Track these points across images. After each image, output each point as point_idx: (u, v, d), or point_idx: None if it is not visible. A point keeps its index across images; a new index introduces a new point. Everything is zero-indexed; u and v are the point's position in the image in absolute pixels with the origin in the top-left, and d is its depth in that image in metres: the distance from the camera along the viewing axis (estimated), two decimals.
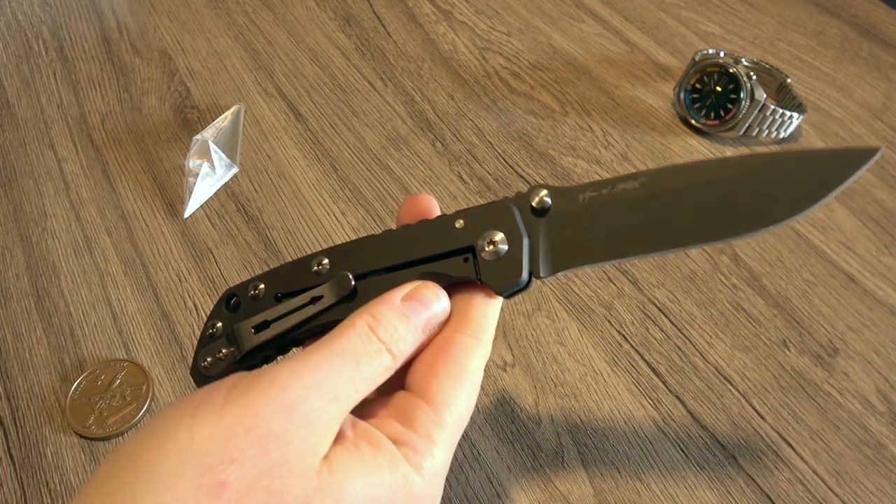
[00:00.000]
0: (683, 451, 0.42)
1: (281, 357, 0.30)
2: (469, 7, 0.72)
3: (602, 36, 0.68)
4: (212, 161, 0.55)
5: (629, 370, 0.45)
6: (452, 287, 0.28)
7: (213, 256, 0.52)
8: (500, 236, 0.27)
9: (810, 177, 0.26)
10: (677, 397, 0.44)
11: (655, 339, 0.47)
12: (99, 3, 0.73)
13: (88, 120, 0.62)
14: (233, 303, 0.30)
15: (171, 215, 0.55)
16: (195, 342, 0.47)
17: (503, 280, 0.27)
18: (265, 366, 0.30)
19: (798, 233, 0.52)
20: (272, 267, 0.32)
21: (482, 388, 0.38)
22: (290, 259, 0.52)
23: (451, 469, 0.26)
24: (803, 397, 0.44)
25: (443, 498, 0.26)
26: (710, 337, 0.47)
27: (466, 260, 0.28)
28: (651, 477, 0.41)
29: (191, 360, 0.35)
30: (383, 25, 0.70)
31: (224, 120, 0.59)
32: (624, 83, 0.64)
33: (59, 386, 0.46)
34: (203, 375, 0.30)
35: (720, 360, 0.46)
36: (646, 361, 0.46)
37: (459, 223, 0.28)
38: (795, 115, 0.56)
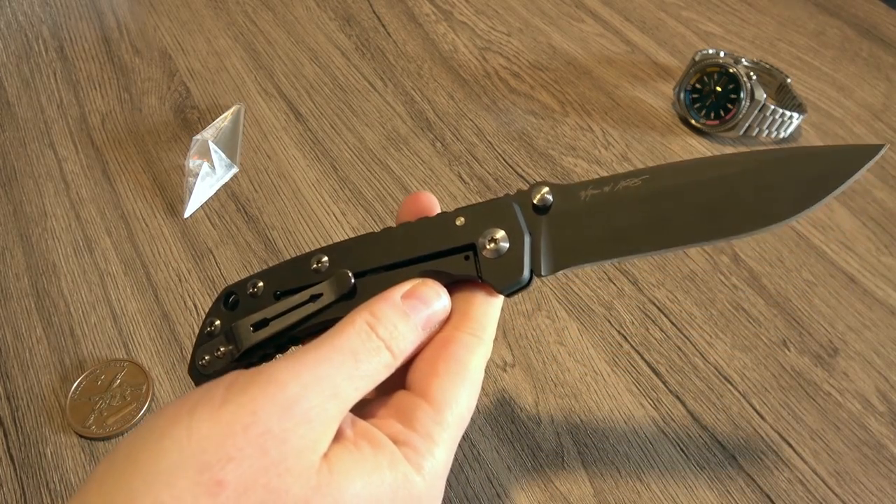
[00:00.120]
0: (683, 451, 0.42)
1: (279, 355, 0.30)
2: (469, 7, 0.72)
3: (602, 36, 0.68)
4: (212, 161, 0.55)
5: (629, 370, 0.45)
6: (453, 285, 0.28)
7: (213, 256, 0.52)
8: (501, 234, 0.27)
9: (813, 175, 0.26)
10: (677, 397, 0.44)
11: (655, 339, 0.47)
12: (99, 3, 0.74)
13: (88, 120, 0.62)
14: (231, 301, 0.30)
15: (171, 215, 0.55)
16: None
17: (504, 278, 0.27)
18: (263, 363, 0.30)
19: (798, 233, 0.52)
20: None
21: (482, 387, 0.38)
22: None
23: (451, 469, 0.26)
24: (803, 397, 0.44)
25: (443, 498, 0.25)
26: (710, 337, 0.47)
27: (467, 258, 0.28)
28: (651, 477, 0.41)
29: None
30: (383, 25, 0.70)
31: (224, 120, 0.59)
32: (624, 83, 0.64)
33: (59, 386, 0.46)
34: (201, 373, 0.29)
35: (720, 360, 0.46)
36: (646, 361, 0.46)
37: (460, 221, 0.28)
38: (795, 115, 0.56)
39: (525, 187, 0.56)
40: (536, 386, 0.45)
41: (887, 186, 0.55)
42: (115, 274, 0.51)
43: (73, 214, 0.55)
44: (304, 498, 0.21)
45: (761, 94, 0.55)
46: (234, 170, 0.57)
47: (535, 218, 0.28)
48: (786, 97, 0.60)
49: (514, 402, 0.44)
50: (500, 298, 0.28)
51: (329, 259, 0.29)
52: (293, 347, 0.30)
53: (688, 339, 0.47)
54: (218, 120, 0.59)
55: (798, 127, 0.59)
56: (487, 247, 0.27)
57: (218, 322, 0.30)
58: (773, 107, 0.55)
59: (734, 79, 0.56)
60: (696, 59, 0.59)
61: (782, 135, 0.58)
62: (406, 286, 0.27)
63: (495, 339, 0.41)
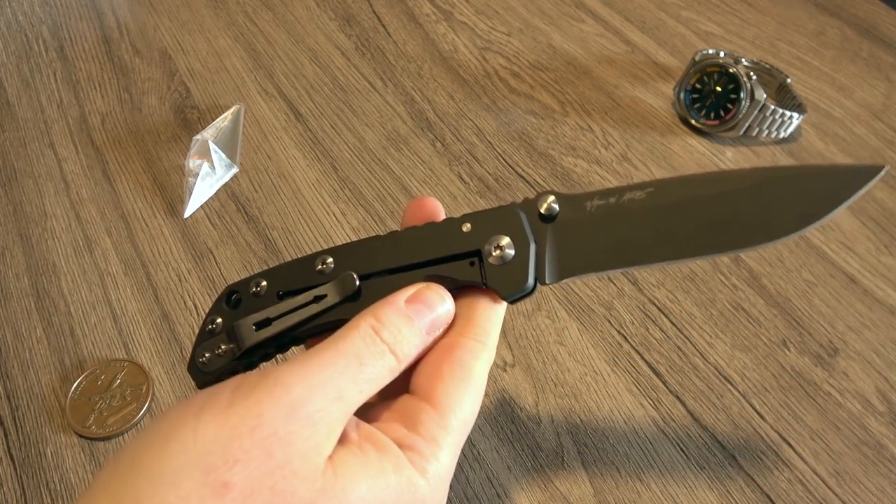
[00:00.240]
0: (683, 451, 0.42)
1: (280, 356, 0.30)
2: (469, 7, 0.72)
3: (602, 36, 0.68)
4: (212, 161, 0.55)
5: (629, 370, 0.45)
6: (457, 291, 0.28)
7: (213, 256, 0.52)
8: (506, 241, 0.27)
9: (815, 193, 0.27)
10: (677, 397, 0.44)
11: (655, 339, 0.47)
12: (99, 3, 0.74)
13: (88, 120, 0.62)
14: (233, 299, 0.30)
15: (171, 215, 0.55)
16: None
17: (509, 285, 0.27)
18: (268, 366, 0.30)
19: None
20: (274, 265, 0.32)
21: None
22: (290, 259, 0.52)
23: None
24: (803, 397, 0.44)
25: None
26: (710, 337, 0.47)
27: (472, 264, 0.28)
28: (651, 477, 0.41)
29: None
30: (383, 25, 0.70)
31: (224, 120, 0.59)
32: (624, 83, 0.64)
33: (59, 386, 0.46)
34: (200, 371, 0.29)
35: (720, 360, 0.46)
36: (646, 361, 0.46)
37: (466, 227, 0.28)
38: (795, 115, 0.56)
39: (525, 187, 0.56)
40: (536, 386, 0.45)
41: (887, 186, 0.55)
42: (115, 274, 0.51)
43: (73, 214, 0.55)
44: (310, 500, 0.21)
45: (761, 94, 0.55)
46: (234, 170, 0.57)
47: (540, 226, 0.28)
48: (786, 97, 0.60)
49: (514, 402, 0.44)
50: (504, 305, 0.28)
51: (334, 260, 0.29)
52: (294, 348, 0.30)
53: (688, 339, 0.47)
54: (218, 120, 0.59)
55: (798, 127, 0.59)
56: (493, 254, 0.27)
57: (219, 320, 0.30)
58: (773, 107, 0.55)
59: (734, 79, 0.56)
60: (696, 59, 0.59)
61: (782, 135, 0.58)
62: (410, 290, 0.27)
63: None
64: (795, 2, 0.72)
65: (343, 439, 0.23)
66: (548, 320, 0.48)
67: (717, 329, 0.47)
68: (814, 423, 0.43)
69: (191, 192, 0.55)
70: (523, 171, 0.57)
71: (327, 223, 0.54)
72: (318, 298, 0.28)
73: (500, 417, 0.44)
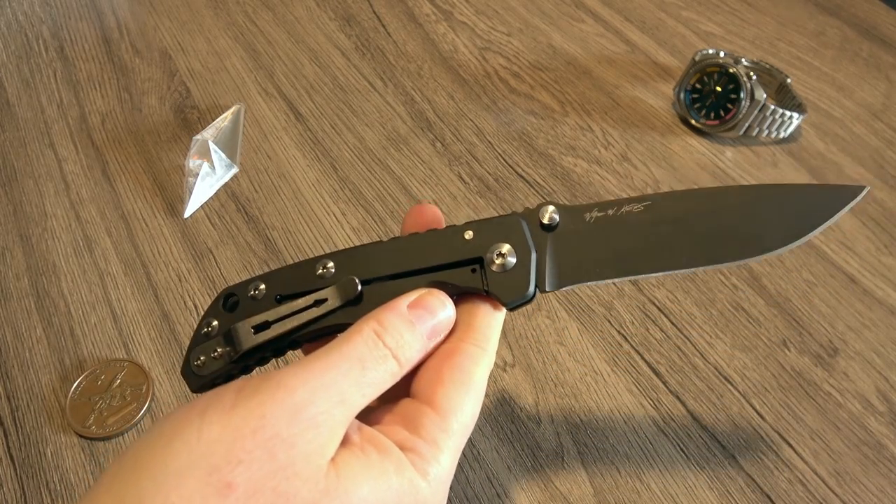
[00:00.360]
0: (683, 451, 0.42)
1: (277, 360, 0.30)
2: (469, 7, 0.72)
3: (602, 36, 0.68)
4: (212, 161, 0.55)
5: (629, 370, 0.45)
6: (458, 297, 0.28)
7: (213, 256, 0.52)
8: (508, 249, 0.28)
9: (802, 211, 0.29)
10: (677, 397, 0.44)
11: (655, 339, 0.47)
12: (99, 3, 0.74)
13: (88, 120, 0.62)
14: (230, 302, 0.30)
15: (171, 215, 0.55)
16: None
17: (510, 292, 0.28)
18: (269, 369, 0.30)
19: None
20: (272, 267, 0.32)
21: None
22: (289, 259, 0.52)
23: None
24: (803, 397, 0.44)
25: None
26: (710, 337, 0.47)
27: (474, 271, 0.28)
28: (651, 477, 0.41)
29: None
30: (383, 25, 0.70)
31: (224, 120, 0.59)
32: (624, 83, 0.64)
33: (59, 386, 0.46)
34: (195, 375, 0.29)
35: (720, 360, 0.46)
36: (646, 361, 0.46)
37: (469, 234, 0.29)
38: (795, 115, 0.56)
39: (525, 187, 0.56)
40: (536, 386, 0.45)
41: (887, 186, 0.55)
42: (115, 274, 0.51)
43: (73, 214, 0.55)
44: (313, 501, 0.22)
45: (761, 94, 0.55)
46: (234, 170, 0.57)
47: (541, 235, 0.29)
48: (786, 97, 0.60)
49: (514, 402, 0.44)
50: (504, 311, 0.29)
51: (335, 265, 0.29)
52: (292, 352, 0.30)
53: (688, 339, 0.47)
54: (218, 120, 0.59)
55: (798, 127, 0.59)
56: (495, 261, 0.28)
57: (216, 323, 0.30)
58: (773, 107, 0.55)
59: (734, 79, 0.56)
60: (696, 59, 0.59)
61: (782, 135, 0.58)
62: (412, 296, 0.27)
63: None
64: (795, 2, 0.72)
65: (345, 442, 0.24)
66: (548, 320, 0.48)
67: (717, 329, 0.47)
68: (814, 423, 0.43)
69: (191, 192, 0.55)
70: (523, 171, 0.57)
71: (327, 223, 0.54)
72: (318, 302, 0.28)
73: (500, 417, 0.44)
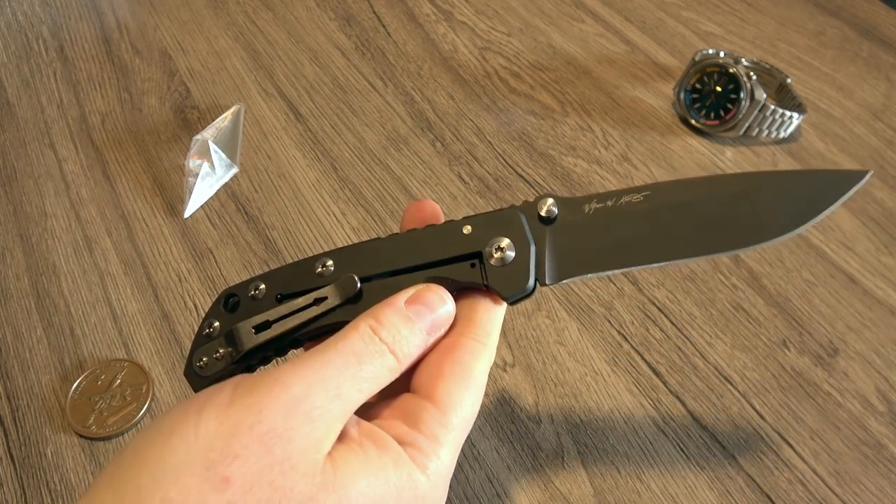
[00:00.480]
0: (683, 451, 0.42)
1: (279, 359, 0.30)
2: (469, 7, 0.72)
3: (602, 36, 0.68)
4: (212, 161, 0.55)
5: (629, 370, 0.45)
6: (458, 292, 0.28)
7: (213, 256, 0.52)
8: (507, 243, 0.28)
9: (805, 196, 0.28)
10: (677, 397, 0.44)
11: (655, 339, 0.47)
12: (99, 3, 0.74)
13: (88, 120, 0.62)
14: (231, 302, 0.30)
15: (171, 215, 0.55)
16: None
17: (510, 286, 0.28)
18: (267, 367, 0.30)
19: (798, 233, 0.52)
20: (272, 267, 0.32)
21: None
22: (289, 259, 0.52)
23: None
24: (803, 397, 0.44)
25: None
26: (710, 337, 0.47)
27: (473, 265, 0.28)
28: (651, 477, 0.41)
29: None
30: (383, 25, 0.70)
31: (224, 120, 0.59)
32: (624, 83, 0.64)
33: (59, 386, 0.46)
34: (198, 376, 0.29)
35: (720, 360, 0.46)
36: (646, 361, 0.46)
37: (467, 229, 0.29)
38: (795, 115, 0.56)
39: (525, 187, 0.56)
40: (536, 386, 0.45)
41: (887, 186, 0.55)
42: (115, 274, 0.51)
43: (73, 214, 0.55)
44: (310, 495, 0.22)
45: (761, 94, 0.55)
46: (234, 170, 0.57)
47: (540, 228, 0.29)
48: (786, 97, 0.60)
49: (514, 402, 0.44)
50: (504, 306, 0.29)
51: (334, 263, 0.29)
52: (293, 351, 0.30)
53: (688, 339, 0.47)
54: (218, 120, 0.59)
55: (798, 127, 0.59)
56: (494, 255, 0.28)
57: (217, 324, 0.30)
58: (773, 107, 0.55)
59: (734, 79, 0.56)
60: (696, 59, 0.59)
61: (782, 135, 0.58)
62: (410, 291, 0.27)
63: None
64: (795, 2, 0.72)
65: (343, 437, 0.24)
66: (548, 320, 0.48)
67: (717, 329, 0.47)
68: (814, 423, 0.43)
69: (191, 192, 0.55)
70: (523, 171, 0.57)
71: (327, 223, 0.54)
72: (318, 300, 0.28)
73: (500, 417, 0.44)
